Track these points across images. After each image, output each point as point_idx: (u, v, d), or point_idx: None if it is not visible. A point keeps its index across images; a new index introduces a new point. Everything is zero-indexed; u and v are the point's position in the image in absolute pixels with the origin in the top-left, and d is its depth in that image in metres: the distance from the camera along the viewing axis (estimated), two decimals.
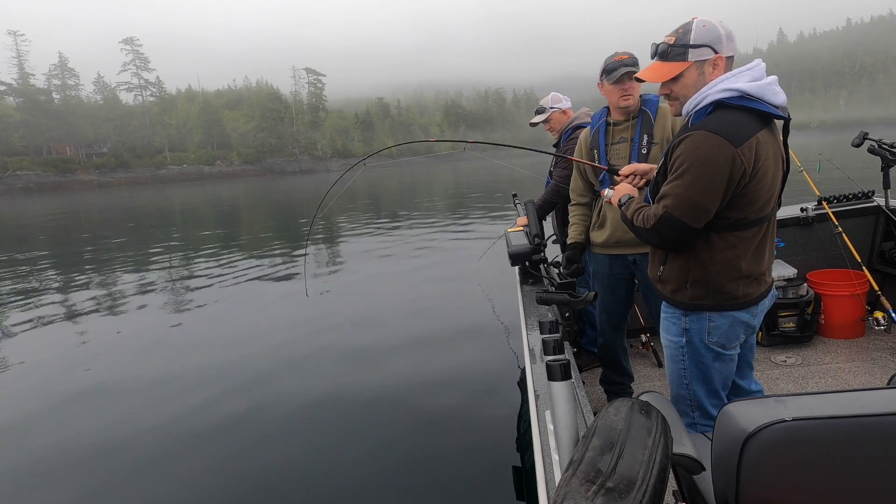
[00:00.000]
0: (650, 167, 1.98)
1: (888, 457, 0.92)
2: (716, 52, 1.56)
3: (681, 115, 1.67)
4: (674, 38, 1.60)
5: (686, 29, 1.58)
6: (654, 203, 1.66)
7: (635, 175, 1.98)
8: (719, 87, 1.53)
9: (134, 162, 63.55)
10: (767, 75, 1.58)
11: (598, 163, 2.42)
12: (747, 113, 1.52)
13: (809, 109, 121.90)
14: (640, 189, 1.98)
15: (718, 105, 1.55)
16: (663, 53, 1.61)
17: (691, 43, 1.57)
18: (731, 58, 1.59)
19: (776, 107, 1.55)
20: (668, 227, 1.57)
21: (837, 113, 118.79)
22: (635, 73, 2.19)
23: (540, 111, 3.24)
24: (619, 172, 2.04)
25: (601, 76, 2.32)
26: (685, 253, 1.66)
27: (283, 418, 3.51)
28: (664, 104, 2.34)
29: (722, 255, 1.61)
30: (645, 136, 2.29)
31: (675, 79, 1.61)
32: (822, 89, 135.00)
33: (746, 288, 1.66)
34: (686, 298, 1.69)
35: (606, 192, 1.95)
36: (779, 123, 1.65)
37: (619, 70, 2.25)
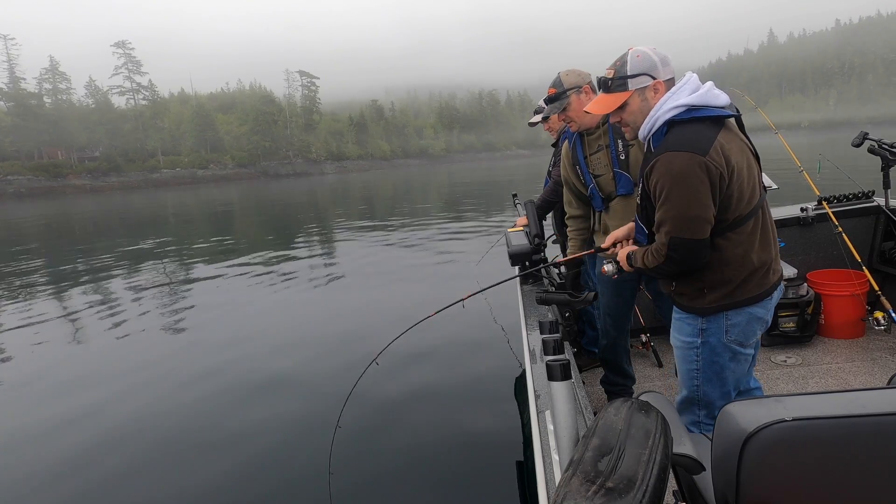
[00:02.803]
0: (627, 231, 2.00)
1: (888, 457, 0.92)
2: (653, 78, 1.67)
3: (637, 139, 1.76)
4: (613, 72, 1.71)
5: (623, 61, 1.70)
6: (645, 229, 1.73)
7: (617, 242, 2.02)
8: (666, 106, 1.62)
9: (127, 166, 63.10)
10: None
11: (581, 177, 2.45)
12: (700, 122, 1.60)
13: (800, 110, 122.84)
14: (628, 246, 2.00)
15: (671, 124, 1.62)
16: (605, 85, 1.73)
17: (629, 73, 1.68)
18: (670, 80, 1.69)
19: (722, 107, 1.63)
20: (680, 249, 1.61)
21: (827, 113, 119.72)
22: (550, 112, 2.40)
23: (539, 111, 3.25)
24: (603, 247, 2.07)
25: None
26: None
27: (282, 414, 3.49)
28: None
29: (732, 254, 1.65)
30: (619, 140, 2.31)
31: (621, 107, 1.71)
32: (812, 89, 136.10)
33: (761, 279, 1.70)
34: (705, 304, 1.71)
35: (607, 269, 1.97)
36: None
37: (546, 111, 2.45)
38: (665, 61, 1.67)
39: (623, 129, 1.79)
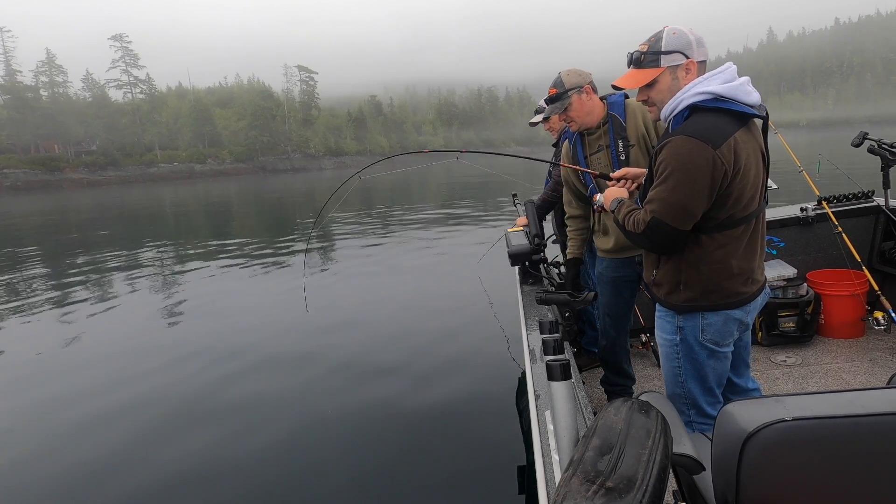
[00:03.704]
0: (641, 171, 2.00)
1: (888, 456, 0.92)
2: (687, 58, 1.62)
3: (660, 119, 1.72)
4: (646, 46, 1.67)
5: (657, 37, 1.65)
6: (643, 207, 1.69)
7: (626, 178, 2.00)
8: (693, 91, 1.58)
9: (124, 160, 62.80)
10: (751, 75, 1.64)
11: (581, 177, 2.45)
12: (723, 114, 1.56)
13: (799, 108, 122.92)
14: (630, 193, 2.00)
15: (694, 109, 1.59)
16: (637, 61, 1.68)
17: (663, 49, 1.63)
18: (703, 62, 1.65)
19: (751, 106, 1.59)
20: (657, 232, 1.60)
21: (826, 111, 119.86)
22: (552, 113, 2.35)
23: (539, 111, 3.23)
24: (612, 176, 2.06)
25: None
26: (677, 255, 1.68)
27: (284, 419, 3.48)
28: (631, 101, 2.37)
29: (712, 255, 1.64)
30: (619, 141, 2.31)
31: (650, 85, 1.67)
32: (811, 88, 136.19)
33: (740, 286, 1.68)
34: (680, 300, 1.71)
35: (598, 197, 1.96)
36: (760, 124, 1.68)
37: (547, 111, 2.41)
38: (700, 42, 1.63)
39: (648, 108, 1.74)
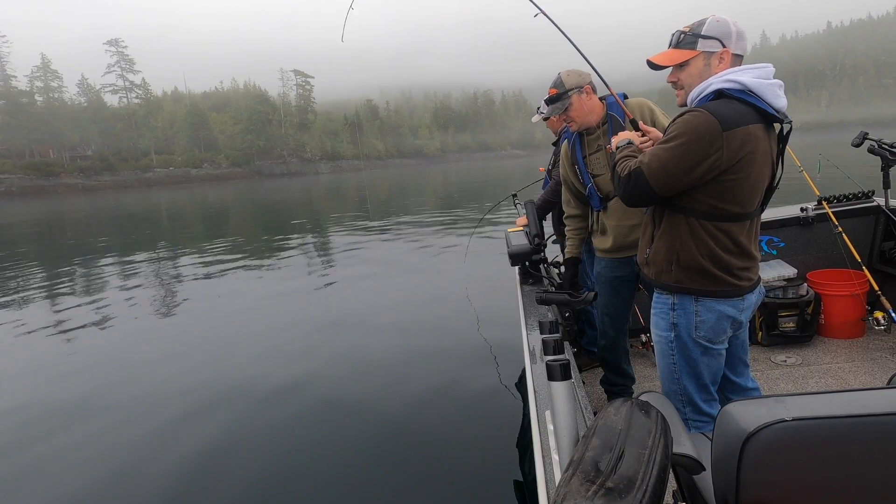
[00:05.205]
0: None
1: (888, 457, 0.92)
2: (724, 46, 1.64)
3: (685, 105, 1.73)
4: (689, 28, 1.70)
5: (701, 21, 1.69)
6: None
7: (647, 135, 1.98)
8: (723, 77, 1.61)
9: (119, 165, 62.74)
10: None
11: (580, 177, 2.46)
12: (746, 106, 1.58)
13: (792, 111, 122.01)
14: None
15: (720, 94, 1.61)
16: (677, 41, 1.72)
17: (702, 33, 1.66)
18: (738, 56, 1.67)
19: (776, 110, 1.59)
20: (633, 182, 1.65)
21: (819, 114, 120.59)
22: (552, 113, 2.37)
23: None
24: (640, 126, 2.04)
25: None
26: (671, 236, 1.71)
27: (275, 421, 3.46)
28: (630, 101, 2.38)
29: (705, 243, 1.66)
30: None
31: (682, 66, 1.70)
32: (804, 91, 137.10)
33: (730, 278, 1.69)
34: (671, 280, 1.73)
35: (613, 140, 1.96)
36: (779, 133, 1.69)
37: (547, 111, 2.41)
38: (740, 36, 1.65)
39: (676, 92, 1.75)
